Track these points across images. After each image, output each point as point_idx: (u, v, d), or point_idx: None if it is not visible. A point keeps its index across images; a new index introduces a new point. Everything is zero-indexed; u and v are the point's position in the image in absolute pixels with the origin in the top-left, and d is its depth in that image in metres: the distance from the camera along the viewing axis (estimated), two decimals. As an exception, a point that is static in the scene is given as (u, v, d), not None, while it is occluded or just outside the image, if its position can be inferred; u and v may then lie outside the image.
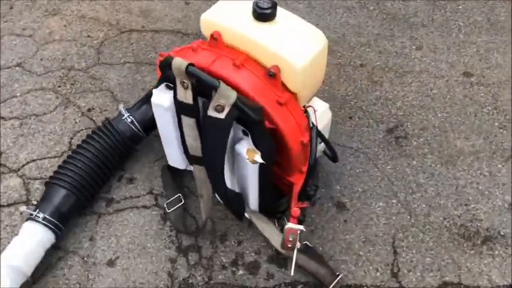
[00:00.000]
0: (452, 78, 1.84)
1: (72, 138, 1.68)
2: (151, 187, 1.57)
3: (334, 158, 1.45)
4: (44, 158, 1.64)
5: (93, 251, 1.44)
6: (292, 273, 1.29)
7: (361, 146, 1.65)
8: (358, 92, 1.80)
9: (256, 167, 1.20)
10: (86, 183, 1.45)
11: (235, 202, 1.29)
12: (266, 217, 1.42)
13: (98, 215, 1.51)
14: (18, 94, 1.81)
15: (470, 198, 1.53)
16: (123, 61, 1.92)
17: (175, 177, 1.55)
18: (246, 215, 1.42)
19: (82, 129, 1.70)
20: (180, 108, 1.18)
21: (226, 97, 1.06)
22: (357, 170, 1.60)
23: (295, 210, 1.29)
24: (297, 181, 1.34)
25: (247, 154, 1.16)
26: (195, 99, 1.14)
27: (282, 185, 1.41)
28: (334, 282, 1.36)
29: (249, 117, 1.09)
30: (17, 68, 1.90)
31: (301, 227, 1.27)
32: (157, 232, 1.47)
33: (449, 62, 1.89)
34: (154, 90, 1.25)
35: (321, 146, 1.40)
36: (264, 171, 1.22)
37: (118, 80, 1.85)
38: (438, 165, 1.61)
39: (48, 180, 1.46)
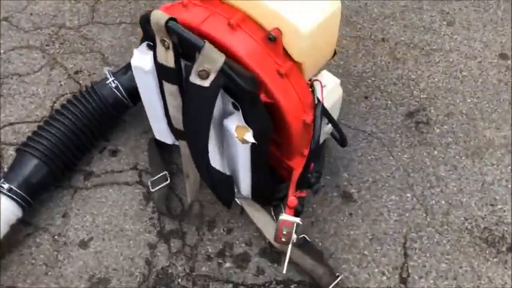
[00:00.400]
0: (486, 60, 1.62)
1: (55, 102, 1.52)
2: (136, 162, 1.40)
3: (343, 141, 1.26)
4: (22, 122, 1.48)
5: (65, 229, 1.29)
6: (284, 271, 1.12)
7: (376, 130, 1.46)
8: (378, 69, 1.60)
9: (247, 148, 1.02)
10: (61, 153, 1.29)
11: (222, 186, 1.12)
12: (259, 204, 1.24)
13: (74, 189, 1.36)
14: (1, 51, 1.65)
15: (498, 197, 1.33)
16: (118, 21, 1.74)
17: (162, 153, 1.38)
18: (237, 201, 1.25)
19: (67, 93, 1.53)
20: (161, 73, 1.01)
21: (211, 61, 0.87)
22: (369, 157, 1.40)
23: (292, 200, 1.11)
24: (297, 166, 1.16)
25: (237, 132, 0.98)
26: (177, 62, 0.95)
27: (281, 169, 1.23)
28: (333, 284, 1.19)
29: (240, 87, 0.90)
30: (3, 22, 1.73)
31: (297, 219, 1.09)
32: (137, 213, 1.31)
33: (483, 42, 1.67)
34: (134, 51, 1.07)
35: (328, 128, 1.21)
36: (257, 152, 1.05)
37: (111, 42, 1.67)
38: (463, 157, 1.40)
39: (19, 146, 1.30)
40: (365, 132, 1.45)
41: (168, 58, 0.95)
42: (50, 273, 1.22)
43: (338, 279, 1.19)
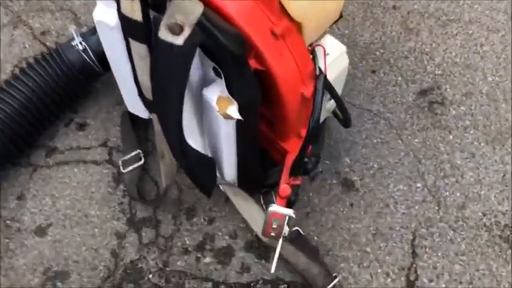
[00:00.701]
0: (510, 33, 1.43)
1: (16, 66, 1.32)
2: (106, 138, 1.21)
3: (346, 121, 1.07)
4: (-22, 89, 1.29)
5: (19, 213, 1.11)
6: (273, 269, 0.95)
7: (384, 109, 1.27)
8: (387, 40, 1.40)
9: (231, 125, 0.84)
10: (18, 125, 1.10)
11: (202, 170, 0.94)
12: (246, 193, 1.07)
13: (33, 167, 1.17)
14: (-42, 6, 1.45)
15: (521, 190, 1.16)
16: (95, -23, 1.53)
17: (136, 128, 1.19)
18: (220, 187, 1.07)
19: (31, 56, 1.33)
20: (127, 28, 0.81)
21: (185, 11, 0.68)
22: (375, 140, 1.22)
23: (284, 189, 0.94)
24: (293, 148, 0.98)
25: (218, 104, 0.79)
26: (145, 13, 0.76)
27: (273, 152, 1.05)
28: (329, 287, 1.02)
29: (222, 47, 0.71)
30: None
31: (289, 211, 0.92)
32: (105, 197, 1.13)
33: (508, 13, 1.47)
34: (98, 2, 0.88)
35: (330, 104, 1.03)
36: (243, 130, 0.86)
37: None
38: (482, 144, 1.22)
39: (-32, 117, 1.11)
40: (371, 111, 1.27)
41: (134, 8, 0.75)
42: (-1, 264, 1.05)
43: (335, 281, 1.03)
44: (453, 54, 1.38)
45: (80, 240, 1.08)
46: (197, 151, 0.89)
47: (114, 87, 1.23)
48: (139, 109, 1.10)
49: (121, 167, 1.14)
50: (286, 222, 0.94)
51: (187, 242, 1.08)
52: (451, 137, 1.23)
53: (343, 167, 1.19)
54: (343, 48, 0.98)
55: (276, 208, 0.93)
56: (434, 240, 1.10)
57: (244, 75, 0.78)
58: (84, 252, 1.07)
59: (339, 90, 1.01)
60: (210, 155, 0.98)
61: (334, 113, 1.10)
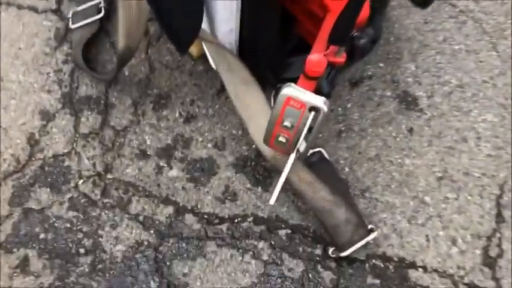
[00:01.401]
0: None
1: None
2: (59, -21, 0.82)
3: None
4: None
5: None
6: (272, 201, 0.56)
7: (476, 7, 0.84)
8: None
9: None
10: None
11: (179, 12, 0.53)
12: (250, 73, 0.66)
13: None
14: None
15: None
16: None
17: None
18: (209, 57, 0.67)
19: None
20: None
21: None
22: (456, 47, 0.81)
23: (316, 60, 0.54)
24: (335, 6, 0.58)
25: None
26: None
27: (305, 18, 0.65)
28: (360, 244, 0.63)
29: None
30: None
31: (318, 100, 0.53)
32: (37, 58, 0.75)
33: None
34: None
35: None
36: None
37: None
38: None
39: None
40: (456, 6, 0.85)
41: None
42: None
43: (370, 237, 0.63)
44: None
45: (-16, 113, 0.70)
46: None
47: None
48: None
49: (70, 21, 0.75)
50: (308, 123, 0.55)
51: (148, 143, 0.69)
52: None
53: (404, 75, 0.77)
54: None
55: (295, 90, 0.53)
56: (535, 202, 0.69)
57: None
58: (-13, 132, 0.69)
59: None
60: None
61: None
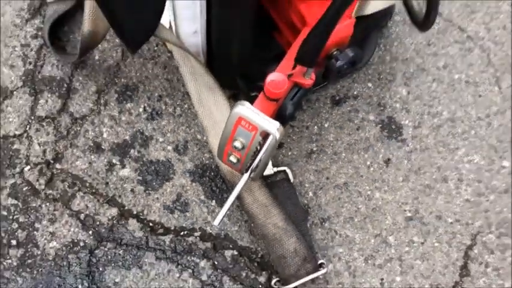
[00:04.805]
0: None
1: None
2: None
3: (426, 20, 0.59)
4: None
5: None
6: (216, 222, 0.52)
7: (485, 34, 0.78)
8: None
9: None
10: None
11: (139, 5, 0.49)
12: (214, 79, 0.61)
13: None
14: None
15: None
16: None
17: None
18: (175, 55, 0.62)
19: None
20: None
21: None
22: (456, 76, 0.74)
23: (277, 80, 0.49)
24: (311, 15, 0.53)
25: None
26: None
27: (279, 18, 0.60)
28: (302, 280, 0.58)
29: None
30: None
31: (271, 125, 0.48)
32: (6, 29, 0.71)
33: None
34: None
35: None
36: None
37: None
38: None
39: None
40: (464, 31, 0.78)
41: None
42: None
43: (318, 273, 0.59)
44: None
45: None
46: None
47: None
48: None
49: (46, -6, 0.71)
50: (260, 149, 0.50)
51: (104, 136, 0.65)
52: None
53: (392, 100, 0.72)
54: None
55: (248, 110, 0.48)
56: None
57: None
58: None
59: None
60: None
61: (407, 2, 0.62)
